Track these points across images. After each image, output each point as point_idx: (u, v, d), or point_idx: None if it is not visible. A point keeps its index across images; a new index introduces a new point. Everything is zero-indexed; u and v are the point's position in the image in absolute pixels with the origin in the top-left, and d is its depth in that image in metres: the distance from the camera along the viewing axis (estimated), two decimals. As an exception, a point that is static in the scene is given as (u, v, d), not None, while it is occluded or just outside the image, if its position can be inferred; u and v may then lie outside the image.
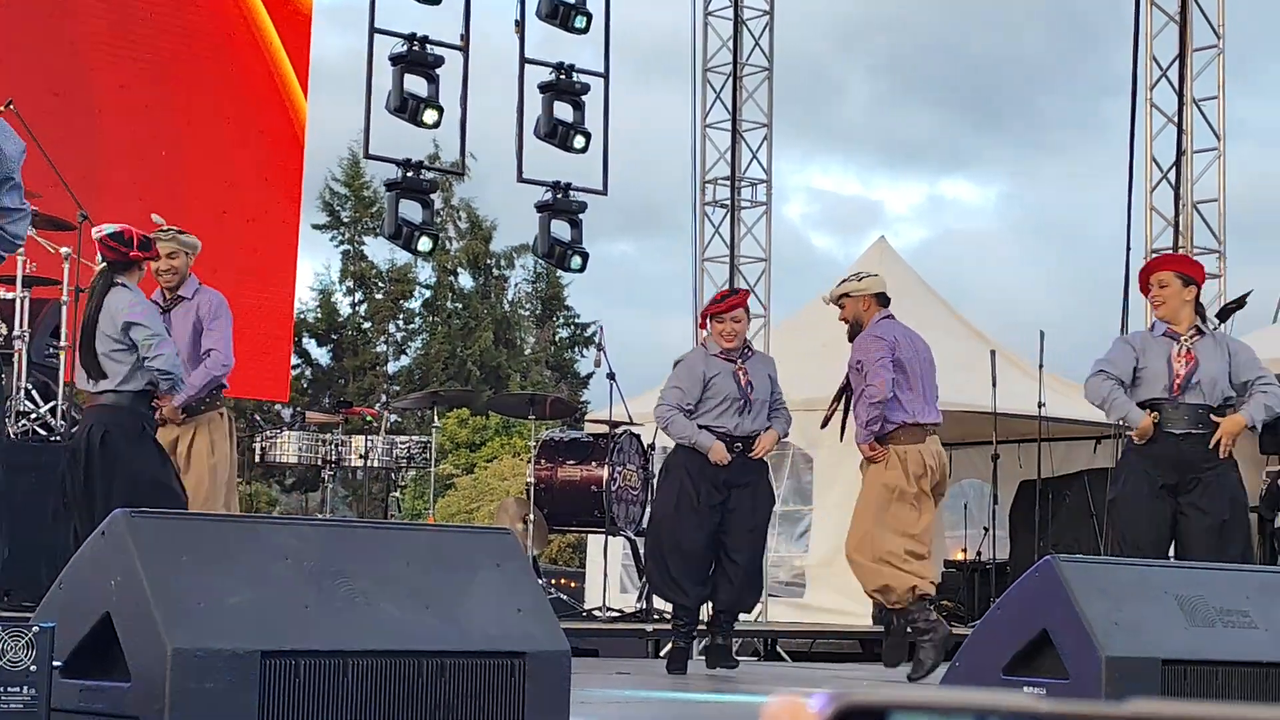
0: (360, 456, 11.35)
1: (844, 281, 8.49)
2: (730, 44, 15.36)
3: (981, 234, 58.69)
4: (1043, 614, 4.07)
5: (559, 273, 34.17)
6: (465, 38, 13.25)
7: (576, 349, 38.84)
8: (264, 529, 3.28)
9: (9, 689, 2.76)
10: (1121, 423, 8.07)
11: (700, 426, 7.95)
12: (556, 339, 39.35)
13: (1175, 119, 13.28)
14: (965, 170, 63.20)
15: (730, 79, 15.33)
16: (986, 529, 16.08)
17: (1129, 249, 13.16)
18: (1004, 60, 57.97)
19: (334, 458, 11.31)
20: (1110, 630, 3.96)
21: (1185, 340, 7.29)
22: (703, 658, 8.45)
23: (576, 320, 39.44)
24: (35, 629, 2.80)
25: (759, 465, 8.08)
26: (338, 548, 3.31)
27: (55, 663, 2.85)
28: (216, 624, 3.02)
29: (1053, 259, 58.78)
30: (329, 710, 3.10)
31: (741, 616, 8.74)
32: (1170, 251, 13.25)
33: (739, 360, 8.05)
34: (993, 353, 14.72)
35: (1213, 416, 7.19)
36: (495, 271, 39.16)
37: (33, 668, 2.78)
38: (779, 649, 13.24)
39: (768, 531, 8.36)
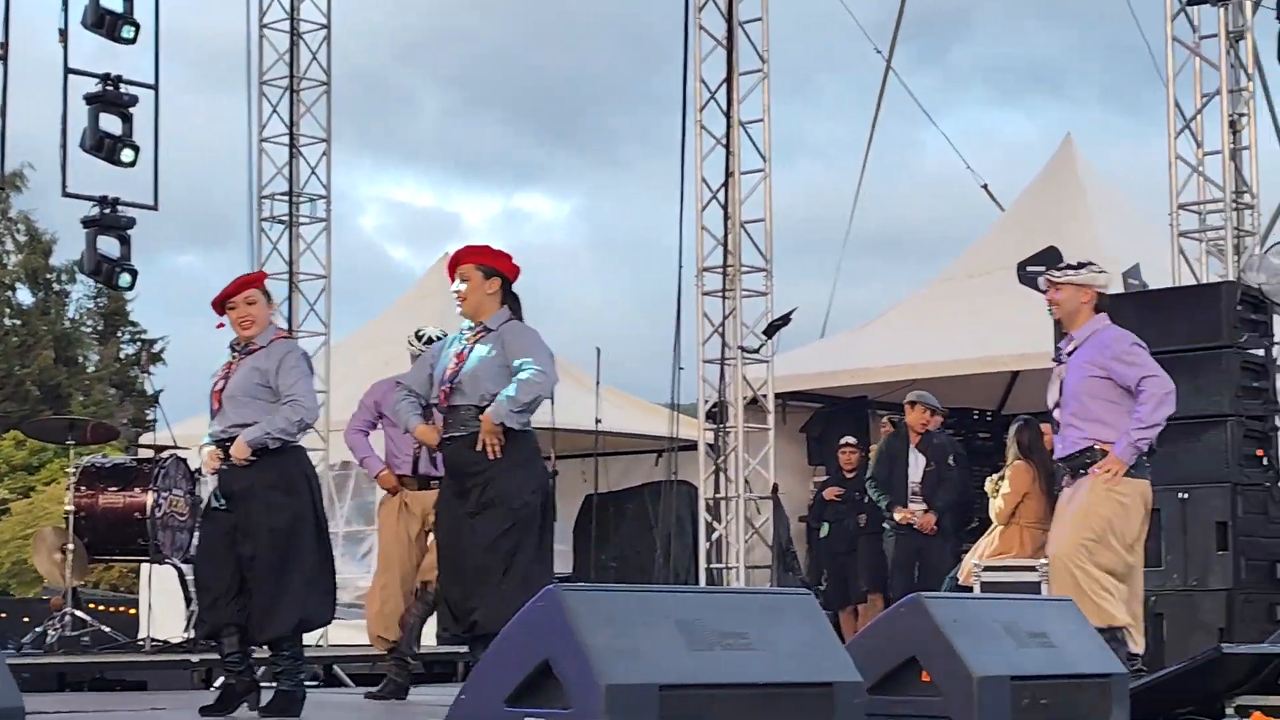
0: (-115, 486, 10.76)
1: None
2: (287, 57, 15.11)
3: (557, 248, 59.42)
4: (545, 643, 4.07)
5: (123, 288, 33.10)
6: (4, 45, 12.69)
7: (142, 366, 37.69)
8: None
9: None
10: None
11: None
12: (121, 356, 38.11)
13: (724, 141, 13.64)
14: (540, 184, 63.93)
15: (287, 93, 15.08)
16: (550, 544, 16.21)
17: (680, 267, 13.49)
18: (574, 75, 58.87)
19: None
20: (610, 658, 3.98)
21: (467, 339, 6.84)
22: None
23: (143, 336, 38.31)
24: None
25: (254, 471, 6.93)
26: None
27: None
28: None
29: (623, 274, 59.99)
30: None
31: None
32: (720, 267, 13.61)
33: (242, 354, 7.08)
34: (550, 370, 14.85)
35: (480, 417, 6.64)
36: (55, 286, 37.74)
37: None
38: (337, 671, 13.05)
39: (281, 544, 6.92)
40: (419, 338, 8.71)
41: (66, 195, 12.79)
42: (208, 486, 17.08)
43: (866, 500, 13.39)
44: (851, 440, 14.02)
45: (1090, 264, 7.59)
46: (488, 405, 6.65)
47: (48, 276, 37.67)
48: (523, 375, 6.62)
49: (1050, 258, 10.45)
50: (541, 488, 6.76)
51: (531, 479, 6.73)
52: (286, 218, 15.08)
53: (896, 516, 12.07)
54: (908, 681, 4.75)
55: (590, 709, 3.94)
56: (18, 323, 36.68)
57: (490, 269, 6.89)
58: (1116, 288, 10.79)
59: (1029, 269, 10.49)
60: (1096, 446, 7.39)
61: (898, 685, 4.76)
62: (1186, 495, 9.09)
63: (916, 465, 12.13)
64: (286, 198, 15.07)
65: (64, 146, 12.98)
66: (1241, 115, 11.89)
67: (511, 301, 6.95)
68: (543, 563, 6.72)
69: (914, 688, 4.73)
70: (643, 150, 60.62)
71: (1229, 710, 5.55)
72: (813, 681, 4.27)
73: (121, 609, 17.59)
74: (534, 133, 60.99)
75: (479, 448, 6.59)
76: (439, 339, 8.57)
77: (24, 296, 37.46)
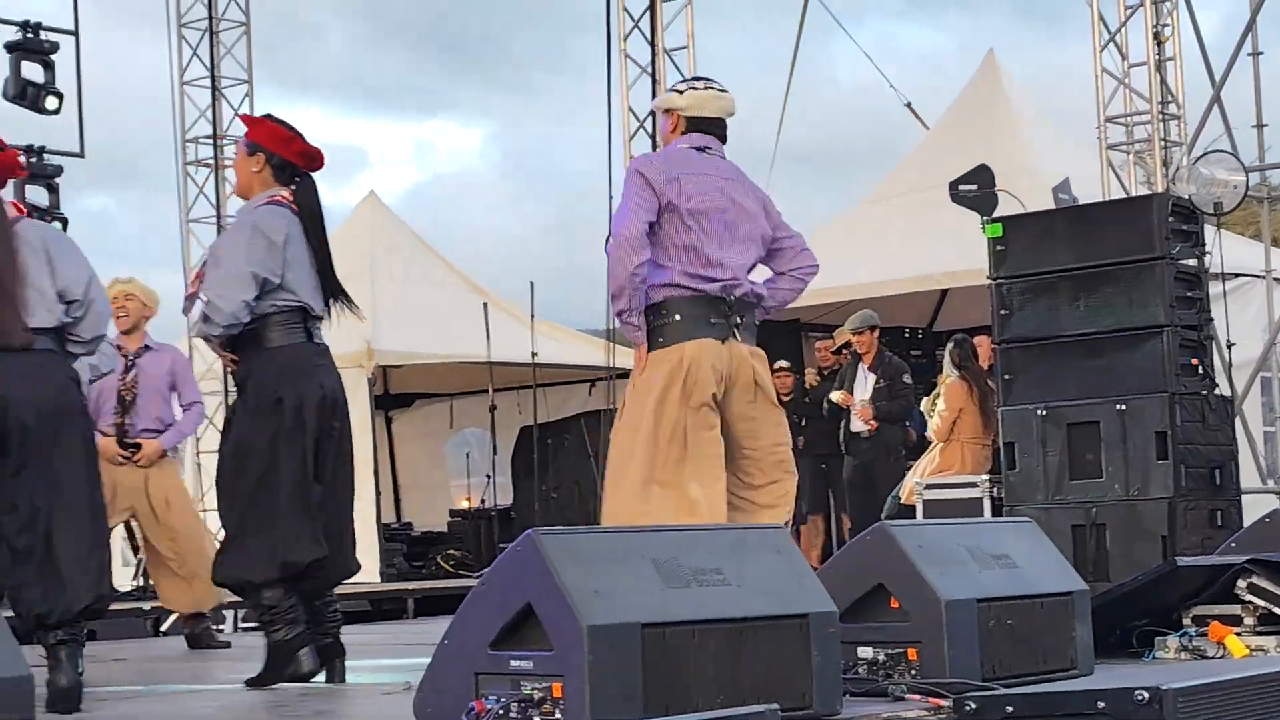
0: None
1: None
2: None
3: (468, 175, 59.14)
4: (525, 587, 4.11)
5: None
6: (-83, -4, 12.54)
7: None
8: None
9: None
10: None
11: None
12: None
13: (649, 69, 13.63)
14: (450, 113, 63.50)
15: (207, 34, 14.96)
16: (489, 476, 16.30)
17: (611, 197, 13.46)
18: (480, 1, 58.33)
19: None
20: (590, 599, 4.03)
21: None
22: None
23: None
24: None
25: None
26: None
27: None
28: None
29: (537, 199, 59.77)
30: None
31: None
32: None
33: None
34: (485, 305, 14.90)
35: None
36: (-28, 235, 37.23)
37: None
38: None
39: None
40: None
41: (-10, 146, 12.66)
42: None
43: (804, 423, 13.51)
44: (785, 364, 14.09)
45: (678, 84, 6.22)
46: None
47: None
48: None
49: (982, 176, 10.54)
50: None
51: None
52: (211, 161, 15.00)
53: (834, 397, 12.27)
54: (877, 608, 4.83)
55: (573, 650, 3.99)
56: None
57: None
58: (1047, 203, 10.92)
59: (961, 188, 10.57)
60: None
61: (868, 612, 4.83)
62: (1125, 406, 9.21)
63: (865, 383, 12.26)
64: (211, 141, 14.99)
65: (-15, 96, 12.87)
66: (1165, 26, 12.00)
67: None
68: None
69: (884, 614, 4.81)
70: (547, 75, 60.43)
71: (1185, 621, 5.68)
72: (789, 613, 4.33)
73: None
74: (442, 61, 60.61)
75: None
76: None
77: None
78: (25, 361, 5.29)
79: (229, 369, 6.19)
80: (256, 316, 5.92)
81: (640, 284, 5.62)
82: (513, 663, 4.12)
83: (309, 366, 6.02)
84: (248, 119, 6.43)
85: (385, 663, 7.02)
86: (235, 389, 6.32)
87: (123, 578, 11.57)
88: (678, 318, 5.64)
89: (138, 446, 8.40)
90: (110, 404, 8.44)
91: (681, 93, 6.03)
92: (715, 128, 5.96)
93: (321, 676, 6.05)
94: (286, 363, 5.97)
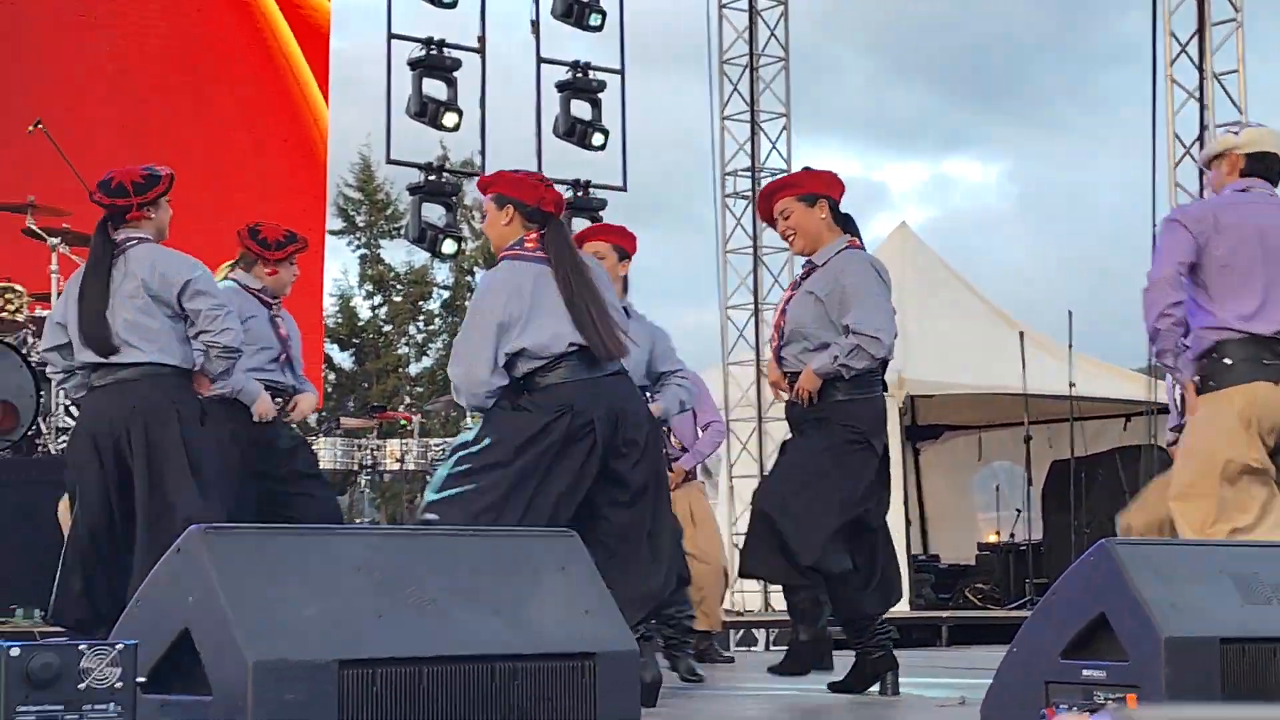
0: (396, 460, 11.39)
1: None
2: (746, 36, 15.39)
3: (988, 212, 58.57)
4: (1099, 597, 4.08)
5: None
6: (482, 39, 13.29)
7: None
8: (334, 540, 3.33)
9: (96, 706, 2.82)
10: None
11: None
12: (578, 335, 39.25)
13: (1197, 94, 13.28)
14: (966, 148, 63.06)
15: (747, 70, 15.36)
16: (1019, 510, 16.10)
17: (1155, 225, 13.15)
18: (999, 36, 57.76)
19: (370, 462, 11.36)
20: (1168, 611, 3.98)
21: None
22: None
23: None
24: (120, 647, 2.86)
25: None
26: (406, 556, 3.36)
27: (139, 679, 2.91)
28: (294, 636, 3.08)
29: (1062, 234, 58.65)
30: (406, 716, 3.14)
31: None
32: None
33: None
34: (1021, 335, 14.77)
35: None
36: (513, 269, 39.07)
37: (118, 685, 2.84)
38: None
39: None
40: None
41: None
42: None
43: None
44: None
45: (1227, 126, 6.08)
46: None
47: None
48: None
49: None
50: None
51: None
52: (749, 193, 15.37)
53: None
54: None
55: (1150, 661, 3.94)
56: (480, 304, 38.13)
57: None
58: None
59: None
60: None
61: None
62: None
63: None
64: (749, 174, 15.36)
65: (538, 133, 13.54)
66: None
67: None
68: None
69: None
70: (1069, 107, 59.23)
71: None
72: (1378, 636, 4.17)
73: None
74: (960, 98, 60.26)
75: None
76: None
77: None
78: (625, 381, 5.56)
79: (796, 399, 6.11)
80: None
81: (1174, 325, 5.46)
82: (1085, 672, 4.10)
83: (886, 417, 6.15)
84: (807, 172, 6.52)
85: (931, 680, 7.04)
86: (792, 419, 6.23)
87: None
88: (1228, 361, 5.45)
89: None
90: None
91: (1236, 134, 5.81)
92: (1270, 165, 5.68)
93: (875, 689, 6.14)
94: (877, 410, 6.09)
